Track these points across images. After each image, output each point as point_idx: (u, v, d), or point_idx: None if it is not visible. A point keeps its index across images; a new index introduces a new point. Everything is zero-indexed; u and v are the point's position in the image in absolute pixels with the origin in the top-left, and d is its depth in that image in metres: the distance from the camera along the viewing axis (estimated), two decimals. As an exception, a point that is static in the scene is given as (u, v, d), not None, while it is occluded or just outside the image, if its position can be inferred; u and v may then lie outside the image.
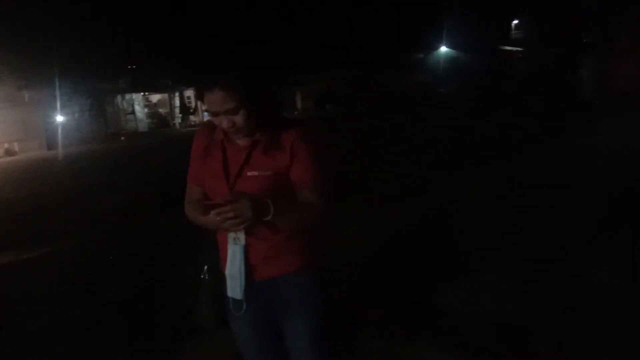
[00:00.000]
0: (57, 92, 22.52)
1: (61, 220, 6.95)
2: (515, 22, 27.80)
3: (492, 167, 7.48)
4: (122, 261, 4.75)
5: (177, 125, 28.99)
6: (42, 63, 21.00)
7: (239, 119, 1.58)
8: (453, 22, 26.81)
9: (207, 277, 1.85)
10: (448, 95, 23.61)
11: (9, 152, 23.01)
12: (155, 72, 26.43)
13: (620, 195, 5.34)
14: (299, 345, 1.74)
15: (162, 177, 7.19)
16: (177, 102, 29.44)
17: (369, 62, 26.76)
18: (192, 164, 1.80)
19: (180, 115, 29.39)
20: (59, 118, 23.71)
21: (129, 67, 27.39)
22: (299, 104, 30.77)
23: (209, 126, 1.73)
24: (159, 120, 29.44)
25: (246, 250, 1.67)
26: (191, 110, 28.90)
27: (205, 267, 1.86)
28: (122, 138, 24.41)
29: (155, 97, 29.67)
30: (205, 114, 1.73)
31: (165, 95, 29.44)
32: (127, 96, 28.20)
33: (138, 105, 28.73)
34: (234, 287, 1.69)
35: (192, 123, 28.21)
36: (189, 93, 27.48)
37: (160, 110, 29.91)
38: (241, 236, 1.66)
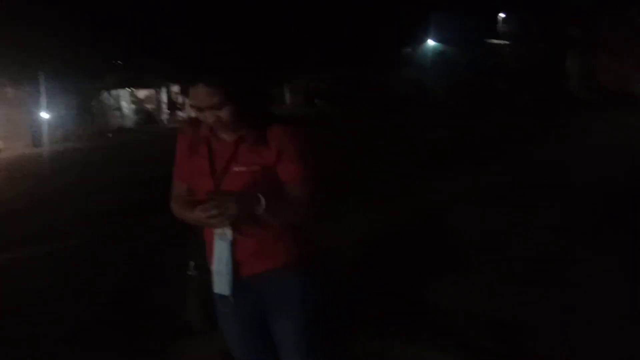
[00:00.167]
0: (43, 89, 22.23)
1: (51, 221, 6.87)
2: (502, 15, 27.89)
3: (487, 167, 7.51)
4: (112, 262, 4.71)
5: (165, 122, 28.75)
6: (26, 60, 20.71)
7: (224, 114, 1.57)
8: (440, 16, 26.83)
9: (194, 274, 1.84)
10: (437, 92, 23.68)
11: (-7, 150, 22.69)
12: (141, 68, 26.18)
13: (615, 195, 5.40)
14: (287, 341, 1.74)
15: (150, 175, 7.14)
16: (164, 97, 29.20)
17: (357, 56, 26.72)
18: (177, 161, 1.79)
19: (168, 111, 29.16)
20: (45, 115, 23.41)
21: (115, 62, 27.10)
22: (287, 100, 30.68)
23: (194, 122, 1.71)
24: (146, 116, 29.15)
25: (233, 246, 1.66)
26: (179, 106, 28.69)
27: (192, 264, 1.85)
28: (109, 135, 24.15)
29: (142, 93, 29.36)
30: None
31: (153, 91, 29.17)
32: (114, 92, 27.87)
33: (125, 102, 28.43)
34: (221, 284, 1.68)
35: (180, 119, 28.00)
36: (177, 89, 27.26)
37: (148, 106, 29.62)
38: (228, 232, 1.65)
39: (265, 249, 1.68)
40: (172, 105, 29.57)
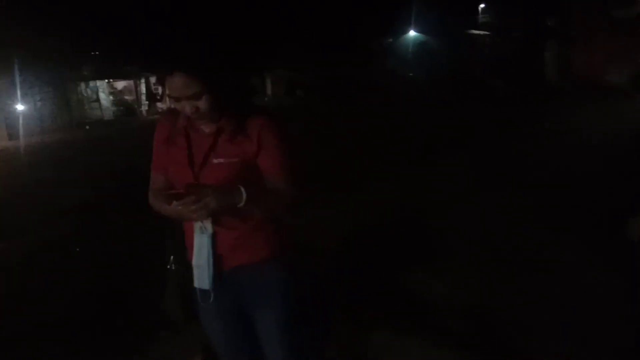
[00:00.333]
0: (17, 81, 21.74)
1: (24, 216, 6.73)
2: (482, 6, 28.05)
3: (465, 157, 7.54)
4: (88, 256, 4.63)
5: (144, 113, 28.35)
6: (0, 50, 20.21)
7: (202, 104, 1.53)
8: (422, 6, 26.88)
9: (173, 268, 1.81)
10: (418, 82, 23.76)
11: (-34, 143, 22.14)
12: (118, 58, 25.73)
13: (587, 183, 5.47)
14: (270, 335, 1.72)
15: (128, 168, 7.01)
16: (143, 88, 28.77)
17: (338, 47, 26.64)
18: (155, 153, 1.75)
19: (147, 102, 28.75)
20: (20, 107, 22.92)
21: (92, 53, 26.60)
22: (269, 90, 30.50)
23: (172, 113, 1.67)
24: (125, 107, 28.71)
25: (213, 239, 1.63)
26: (158, 97, 28.30)
27: (172, 258, 1.81)
28: (87, 127, 23.73)
29: (120, 84, 28.89)
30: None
31: (131, 82, 28.69)
32: (91, 83, 27.39)
33: (103, 93, 27.96)
34: (202, 278, 1.66)
35: (160, 110, 27.61)
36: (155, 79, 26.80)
37: (126, 97, 29.16)
38: (208, 225, 1.62)
39: (246, 242, 1.66)
40: (151, 96, 29.17)
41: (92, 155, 13.29)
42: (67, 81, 25.89)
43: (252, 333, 1.75)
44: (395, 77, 25.43)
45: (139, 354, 2.89)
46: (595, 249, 3.72)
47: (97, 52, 26.08)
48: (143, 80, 28.64)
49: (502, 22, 23.51)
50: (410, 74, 26.41)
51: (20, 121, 22.71)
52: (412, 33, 29.24)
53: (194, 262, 1.67)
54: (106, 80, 28.14)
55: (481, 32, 25.62)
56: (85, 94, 27.63)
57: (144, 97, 29.17)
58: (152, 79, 27.83)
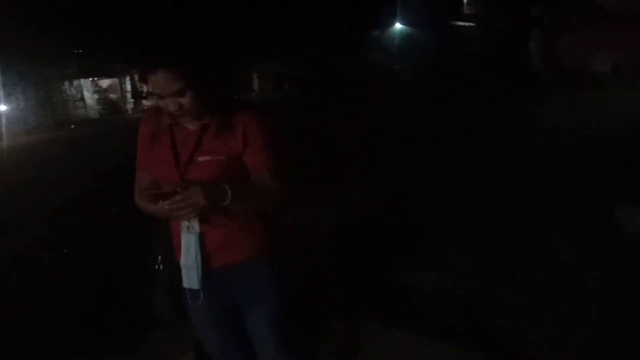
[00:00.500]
0: (0, 81, 21.41)
1: (9, 215, 6.64)
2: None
3: (451, 150, 7.57)
4: (76, 256, 4.58)
5: (130, 111, 28.10)
6: (-19, 49, 19.87)
7: (186, 101, 1.50)
8: (407, -1, 26.85)
9: (161, 268, 1.78)
10: (404, 75, 23.77)
11: (-51, 145, 21.79)
12: (103, 56, 25.40)
13: (575, 174, 5.51)
14: (261, 332, 1.71)
15: (115, 167, 6.96)
16: (128, 86, 28.49)
17: (325, 40, 26.55)
18: (139, 152, 1.72)
19: (133, 100, 28.48)
20: (3, 107, 22.58)
21: (76, 51, 26.23)
22: (255, 85, 30.36)
23: (156, 111, 1.64)
24: (110, 106, 28.43)
25: (201, 238, 1.62)
26: (144, 95, 28.03)
27: (160, 258, 1.79)
28: (72, 126, 23.44)
29: (105, 82, 28.59)
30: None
31: (116, 80, 28.41)
32: (76, 82, 27.05)
33: (87, 92, 27.63)
34: (190, 277, 1.64)
35: (145, 108, 27.36)
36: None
37: (112, 95, 28.87)
38: (195, 224, 1.60)
39: (234, 240, 1.64)
40: (137, 94, 28.89)
41: (78, 154, 13.14)
42: (51, 80, 25.53)
43: (243, 331, 1.74)
44: (382, 70, 25.43)
45: (130, 353, 2.88)
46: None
47: (80, 51, 25.70)
48: (128, 78, 28.35)
49: (488, 14, 23.57)
50: (397, 67, 26.42)
51: (4, 121, 22.36)
52: (397, 26, 29.23)
53: (182, 261, 1.65)
54: (90, 79, 27.81)
55: (467, 24, 25.68)
56: (69, 93, 27.28)
57: (129, 95, 28.90)
58: (137, 77, 27.49)
